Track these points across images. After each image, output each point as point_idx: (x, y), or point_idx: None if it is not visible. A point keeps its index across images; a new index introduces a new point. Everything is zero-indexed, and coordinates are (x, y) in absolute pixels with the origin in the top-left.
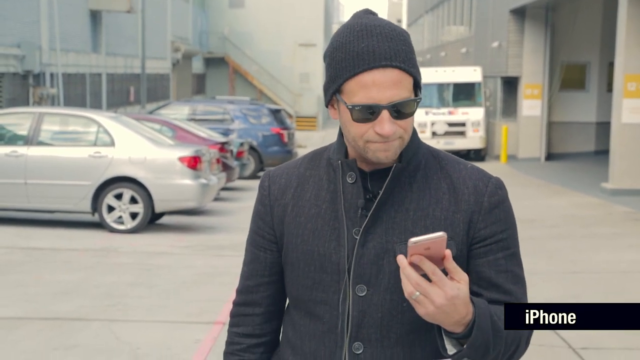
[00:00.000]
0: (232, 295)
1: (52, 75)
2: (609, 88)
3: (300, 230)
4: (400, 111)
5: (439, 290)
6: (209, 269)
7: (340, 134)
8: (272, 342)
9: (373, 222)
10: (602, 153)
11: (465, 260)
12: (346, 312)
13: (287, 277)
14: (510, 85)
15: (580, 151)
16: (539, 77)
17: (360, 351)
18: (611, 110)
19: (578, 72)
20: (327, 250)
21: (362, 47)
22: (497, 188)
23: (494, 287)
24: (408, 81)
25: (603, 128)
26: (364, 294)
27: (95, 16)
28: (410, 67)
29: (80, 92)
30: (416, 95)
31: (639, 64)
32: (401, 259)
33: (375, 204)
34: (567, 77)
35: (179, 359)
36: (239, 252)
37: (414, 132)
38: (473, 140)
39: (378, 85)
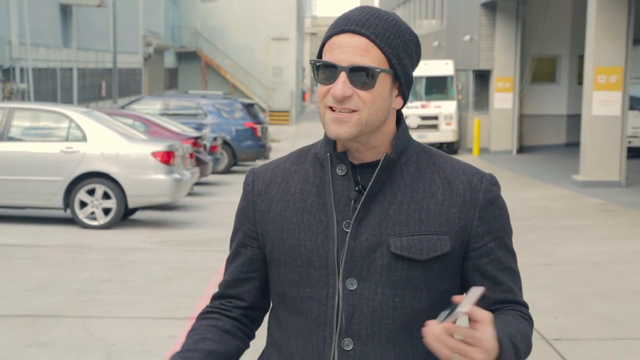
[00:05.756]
0: (207, 290)
1: (22, 70)
2: (580, 81)
3: (286, 224)
4: (360, 79)
5: (477, 348)
6: (182, 264)
7: None
8: (249, 329)
9: (365, 214)
10: (573, 145)
11: (459, 257)
12: (335, 306)
13: (273, 275)
14: (482, 78)
15: (551, 144)
16: (510, 70)
17: (350, 347)
18: (582, 103)
19: (549, 65)
20: (314, 244)
21: (342, 16)
22: (492, 184)
23: (498, 286)
24: (377, 55)
25: (574, 120)
26: (354, 287)
27: (65, 10)
28: (383, 43)
29: (51, 87)
30: (398, 84)
31: (608, 56)
32: (434, 327)
33: (365, 194)
34: (538, 70)
35: (153, 354)
36: (212, 247)
37: (406, 129)
38: (445, 133)
39: (343, 47)
